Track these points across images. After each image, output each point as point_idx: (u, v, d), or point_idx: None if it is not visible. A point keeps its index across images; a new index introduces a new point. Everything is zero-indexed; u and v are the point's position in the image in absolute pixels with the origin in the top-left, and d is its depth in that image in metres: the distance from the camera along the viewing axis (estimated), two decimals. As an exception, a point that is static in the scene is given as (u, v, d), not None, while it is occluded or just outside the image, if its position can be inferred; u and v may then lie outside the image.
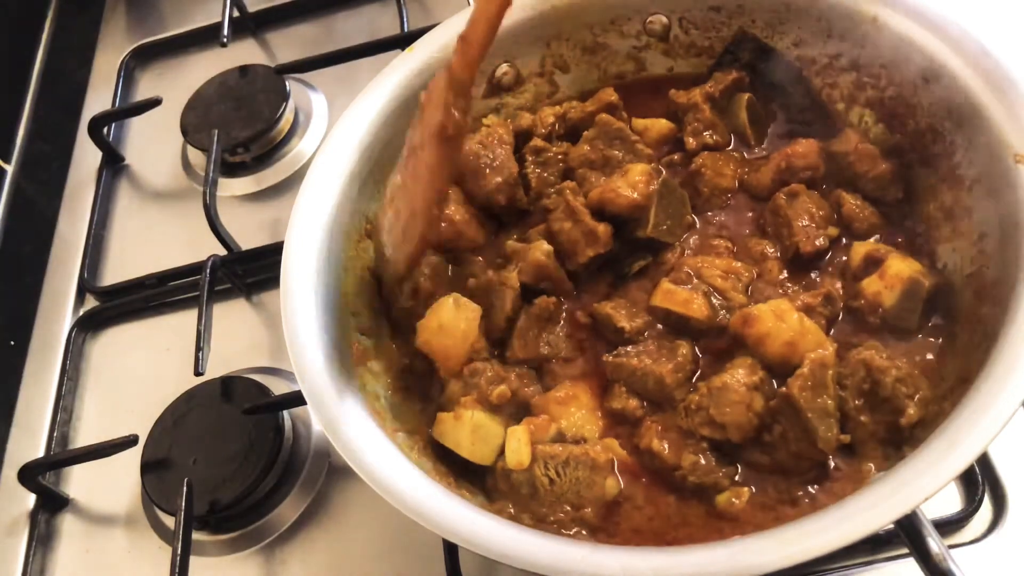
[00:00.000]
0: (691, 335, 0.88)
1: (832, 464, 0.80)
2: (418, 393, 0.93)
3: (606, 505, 0.82)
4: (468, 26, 0.79)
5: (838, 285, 0.89)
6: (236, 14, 1.52)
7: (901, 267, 0.85)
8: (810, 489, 0.79)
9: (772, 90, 1.04)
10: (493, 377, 0.88)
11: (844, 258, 0.91)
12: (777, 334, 0.82)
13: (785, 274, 0.91)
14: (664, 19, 1.06)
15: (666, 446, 0.81)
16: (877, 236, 0.92)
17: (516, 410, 0.88)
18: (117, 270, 1.34)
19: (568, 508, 0.81)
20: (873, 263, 0.87)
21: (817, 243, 0.90)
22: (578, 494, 0.81)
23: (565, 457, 0.82)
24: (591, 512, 0.81)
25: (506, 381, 0.87)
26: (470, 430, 0.85)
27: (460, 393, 0.87)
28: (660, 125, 1.04)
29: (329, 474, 1.06)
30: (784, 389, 0.79)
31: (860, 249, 0.88)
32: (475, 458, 0.85)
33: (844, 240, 0.93)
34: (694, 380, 0.87)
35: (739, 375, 0.81)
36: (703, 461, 0.80)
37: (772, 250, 0.93)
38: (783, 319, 0.82)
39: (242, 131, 1.35)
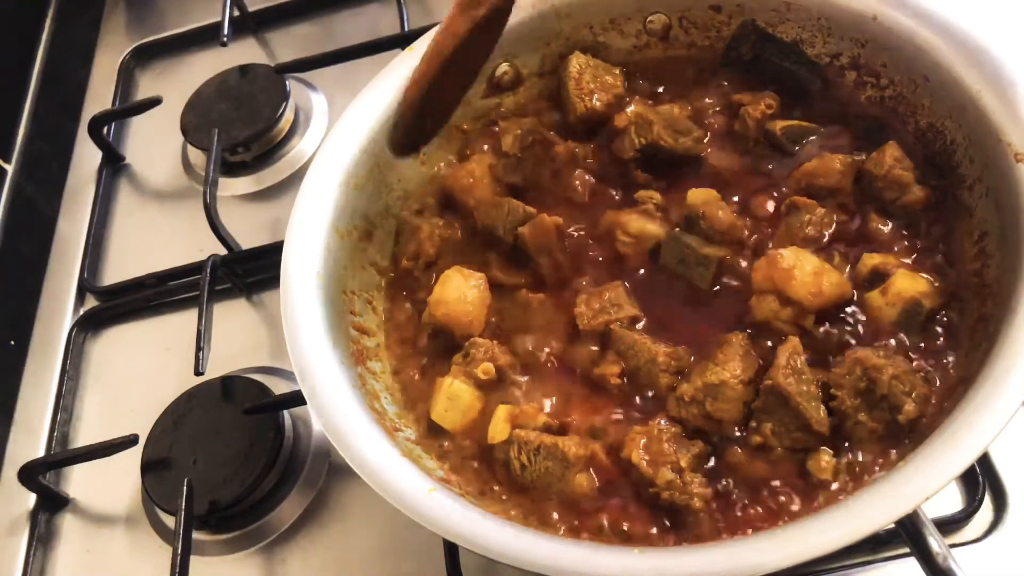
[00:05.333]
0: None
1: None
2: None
3: (574, 501, 0.81)
4: None
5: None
6: (236, 13, 1.51)
7: (905, 285, 0.84)
8: (810, 489, 0.79)
9: (781, 77, 1.02)
10: (487, 354, 0.89)
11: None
12: (802, 267, 0.83)
13: None
14: (664, 18, 1.06)
15: (645, 460, 0.80)
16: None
17: (505, 393, 0.89)
18: (117, 270, 1.34)
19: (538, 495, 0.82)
20: (879, 277, 0.86)
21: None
22: (548, 485, 0.82)
23: (537, 445, 0.82)
24: (554, 504, 0.82)
25: (497, 360, 0.88)
26: (446, 396, 0.87)
27: (458, 361, 0.89)
28: None
29: (329, 474, 1.06)
30: (768, 382, 0.79)
31: (868, 261, 0.87)
32: (440, 420, 0.87)
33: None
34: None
35: (735, 371, 0.81)
36: (679, 480, 0.79)
37: None
38: (804, 257, 0.85)
39: (242, 131, 1.35)
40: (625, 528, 0.79)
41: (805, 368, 0.80)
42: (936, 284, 0.85)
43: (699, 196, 0.93)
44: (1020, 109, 0.80)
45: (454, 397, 0.87)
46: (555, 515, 0.81)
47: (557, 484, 0.81)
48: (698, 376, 0.82)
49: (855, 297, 0.86)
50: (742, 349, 0.83)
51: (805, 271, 0.84)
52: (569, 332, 0.91)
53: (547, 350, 0.91)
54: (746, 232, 0.92)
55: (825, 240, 0.91)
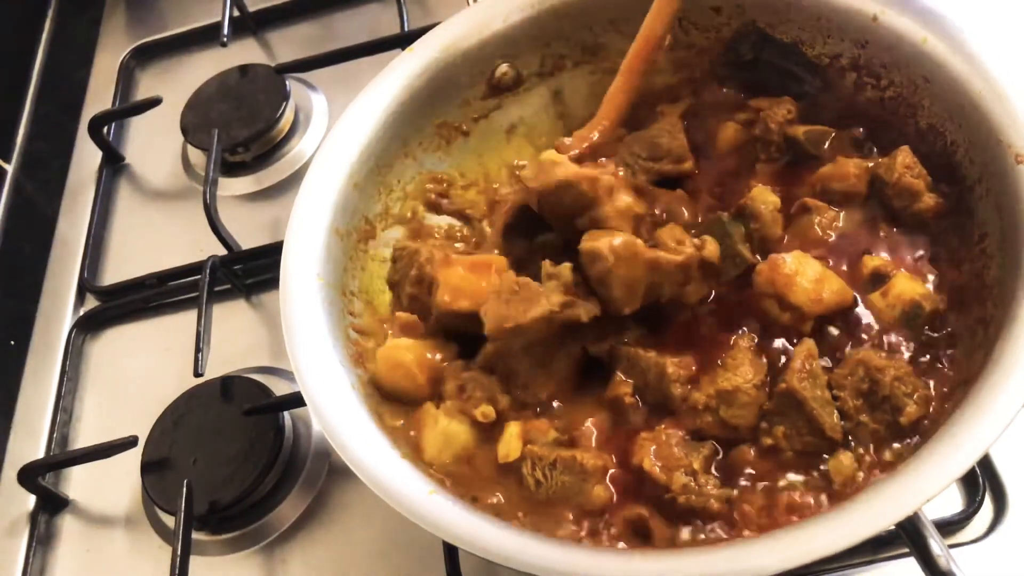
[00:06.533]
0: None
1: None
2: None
3: (591, 514, 0.80)
4: None
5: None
6: (236, 13, 1.51)
7: (905, 287, 0.84)
8: (811, 492, 0.79)
9: (781, 78, 1.02)
10: (485, 394, 0.85)
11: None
12: (804, 273, 0.83)
13: None
14: (664, 19, 1.06)
15: (658, 466, 0.79)
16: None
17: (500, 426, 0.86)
18: (117, 270, 1.34)
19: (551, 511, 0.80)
20: (880, 278, 0.86)
21: None
22: (566, 499, 0.80)
23: (553, 459, 0.81)
24: (573, 519, 0.80)
25: (498, 404, 0.85)
26: (441, 436, 0.84)
27: (453, 393, 0.86)
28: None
29: (329, 474, 1.06)
30: (783, 385, 0.79)
31: (869, 263, 0.87)
32: (433, 462, 0.84)
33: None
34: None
35: (746, 374, 0.81)
36: (694, 484, 0.78)
37: None
38: (807, 263, 0.84)
39: (242, 131, 1.35)
40: (643, 534, 0.79)
41: (819, 372, 0.79)
42: (936, 286, 0.85)
43: (763, 196, 0.91)
44: (1020, 110, 0.80)
45: (449, 437, 0.84)
46: (572, 527, 0.80)
47: (575, 498, 0.80)
48: (709, 383, 0.82)
49: (856, 303, 0.85)
50: (750, 352, 0.83)
51: (807, 277, 0.83)
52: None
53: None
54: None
55: (832, 241, 0.90)
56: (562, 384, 0.87)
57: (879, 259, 0.87)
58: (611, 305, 0.84)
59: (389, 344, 0.90)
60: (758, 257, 0.88)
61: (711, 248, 0.87)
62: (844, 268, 0.89)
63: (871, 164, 0.92)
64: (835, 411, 0.79)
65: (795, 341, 0.83)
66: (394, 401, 0.88)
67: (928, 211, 0.88)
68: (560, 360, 0.87)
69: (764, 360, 0.83)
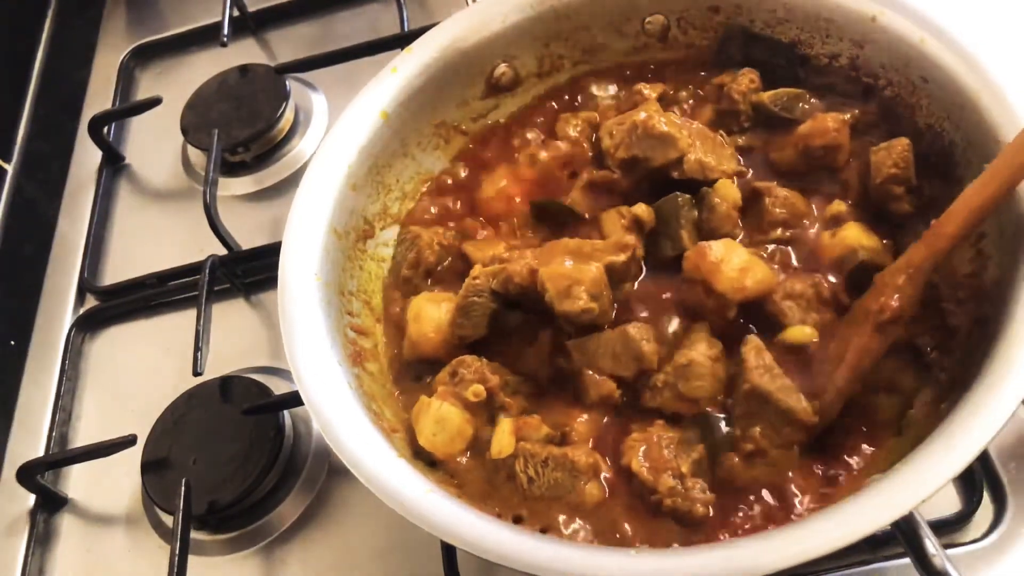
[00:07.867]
0: None
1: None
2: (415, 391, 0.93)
3: (584, 512, 0.80)
4: (945, 216, 0.78)
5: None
6: (236, 13, 1.51)
7: (852, 235, 0.87)
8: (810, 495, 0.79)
9: (778, 73, 1.02)
10: (476, 375, 0.87)
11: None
12: (729, 261, 0.84)
13: None
14: (663, 19, 1.06)
15: (645, 467, 0.80)
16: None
17: (495, 414, 0.87)
18: (117, 270, 1.34)
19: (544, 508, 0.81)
20: (835, 221, 0.90)
21: None
22: (558, 497, 0.81)
23: (544, 456, 0.81)
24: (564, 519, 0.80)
25: (487, 382, 0.86)
26: (434, 420, 0.85)
27: (444, 381, 0.87)
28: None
29: (329, 474, 1.06)
30: (747, 386, 0.80)
31: (835, 207, 0.91)
32: (430, 447, 0.85)
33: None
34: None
35: (701, 349, 0.82)
36: (680, 487, 0.78)
37: None
38: (733, 250, 0.85)
39: (242, 131, 1.35)
40: (631, 533, 0.79)
41: (774, 363, 0.81)
42: (885, 244, 0.88)
43: (724, 190, 0.92)
44: (1017, 110, 0.81)
45: (443, 420, 0.84)
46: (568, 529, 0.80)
47: (567, 495, 0.80)
48: (668, 365, 0.83)
49: (778, 291, 0.86)
50: (705, 333, 0.84)
51: (732, 265, 0.84)
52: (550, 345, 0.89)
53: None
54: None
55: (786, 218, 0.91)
56: (543, 361, 0.89)
57: (843, 205, 0.91)
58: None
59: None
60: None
61: (643, 209, 0.91)
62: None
63: (850, 117, 0.94)
64: (801, 396, 0.80)
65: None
66: None
67: (899, 214, 0.90)
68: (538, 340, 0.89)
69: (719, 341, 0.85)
